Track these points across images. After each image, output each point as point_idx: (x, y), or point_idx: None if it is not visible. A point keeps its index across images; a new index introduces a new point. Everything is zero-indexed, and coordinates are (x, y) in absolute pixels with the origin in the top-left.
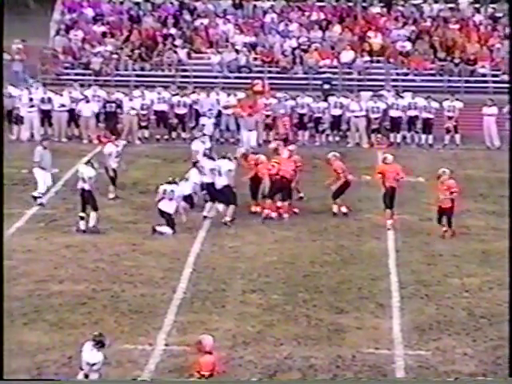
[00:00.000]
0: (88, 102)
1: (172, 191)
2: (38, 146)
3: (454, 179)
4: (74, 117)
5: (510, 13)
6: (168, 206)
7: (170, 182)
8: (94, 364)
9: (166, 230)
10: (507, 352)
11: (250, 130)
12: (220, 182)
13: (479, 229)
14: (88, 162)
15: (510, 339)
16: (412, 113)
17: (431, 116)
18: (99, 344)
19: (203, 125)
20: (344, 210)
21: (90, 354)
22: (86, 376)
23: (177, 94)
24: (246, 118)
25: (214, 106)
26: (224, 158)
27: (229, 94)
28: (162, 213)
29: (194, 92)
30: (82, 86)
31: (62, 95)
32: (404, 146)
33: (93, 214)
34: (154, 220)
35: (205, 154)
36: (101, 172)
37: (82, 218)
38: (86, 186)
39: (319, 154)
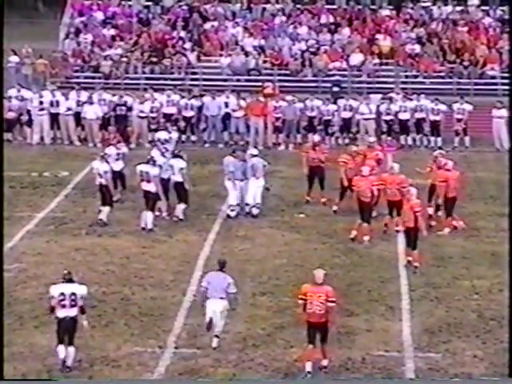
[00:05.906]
0: (92, 104)
1: (147, 173)
2: (228, 157)
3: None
4: (80, 120)
5: (511, 13)
6: (150, 187)
7: (147, 162)
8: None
9: (149, 216)
10: None
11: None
12: (175, 179)
13: (489, 231)
14: (102, 158)
15: (509, 339)
16: (419, 115)
17: (438, 118)
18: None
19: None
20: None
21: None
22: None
23: (184, 97)
24: (255, 120)
25: (220, 109)
26: (177, 156)
27: (238, 97)
28: (147, 193)
29: (204, 95)
30: (92, 88)
31: (68, 99)
32: (414, 149)
33: (105, 209)
34: (165, 223)
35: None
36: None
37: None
38: (103, 181)
39: (329, 156)
